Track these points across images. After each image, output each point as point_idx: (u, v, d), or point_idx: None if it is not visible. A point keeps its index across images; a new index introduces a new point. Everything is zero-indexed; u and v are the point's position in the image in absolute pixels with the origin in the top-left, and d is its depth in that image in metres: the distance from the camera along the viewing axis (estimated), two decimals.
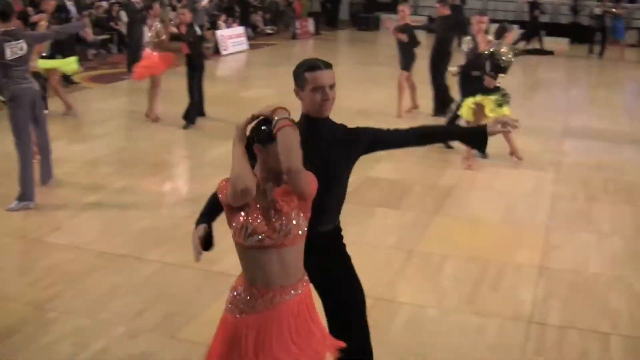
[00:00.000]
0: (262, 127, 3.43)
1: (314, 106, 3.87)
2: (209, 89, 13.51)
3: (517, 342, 5.59)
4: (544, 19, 27.93)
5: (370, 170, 9.73)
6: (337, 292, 4.16)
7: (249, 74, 21.48)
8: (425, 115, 13.39)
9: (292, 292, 3.50)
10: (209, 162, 10.45)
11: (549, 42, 25.53)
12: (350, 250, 4.24)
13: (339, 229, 4.20)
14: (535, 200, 9.21)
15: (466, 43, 11.08)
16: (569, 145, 12.08)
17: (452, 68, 11.57)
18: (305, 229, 3.49)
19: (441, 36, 13.69)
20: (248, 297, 3.49)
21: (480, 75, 10.69)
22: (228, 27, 24.95)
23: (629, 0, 30.60)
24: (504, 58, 10.24)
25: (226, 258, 6.96)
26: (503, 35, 10.52)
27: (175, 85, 13.45)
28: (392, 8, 31.68)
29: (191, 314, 5.88)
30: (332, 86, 3.84)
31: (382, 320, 5.69)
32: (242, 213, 3.40)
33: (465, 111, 10.44)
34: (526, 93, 16.81)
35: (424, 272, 6.93)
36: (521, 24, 26.30)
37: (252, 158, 3.45)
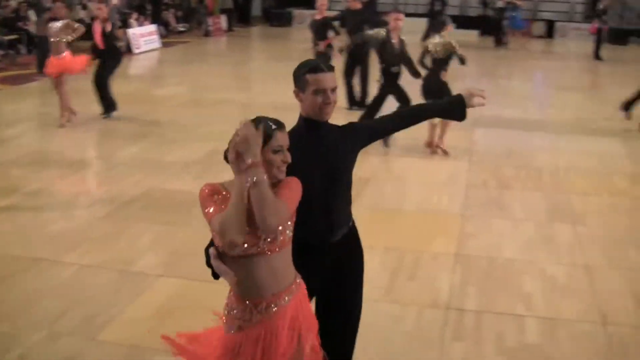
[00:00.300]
0: None
1: (314, 109, 3.77)
2: (122, 88, 13.36)
3: (435, 329, 5.70)
4: (453, 11, 28.47)
5: None
6: (341, 296, 4.17)
7: (161, 72, 21.28)
8: (339, 109, 13.46)
9: (286, 297, 3.44)
10: (122, 161, 10.34)
11: (458, 35, 26.02)
12: None
13: (354, 230, 4.16)
14: (449, 189, 9.38)
15: (377, 33, 11.13)
16: (481, 134, 12.33)
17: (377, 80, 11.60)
18: (290, 232, 3.42)
19: (353, 31, 13.81)
20: (243, 312, 3.41)
21: (399, 72, 10.91)
22: (140, 25, 24.67)
23: None
24: (458, 51, 10.65)
25: (143, 258, 6.97)
26: (444, 28, 10.86)
27: (87, 86, 13.23)
28: (303, 3, 31.88)
29: (111, 314, 5.82)
30: (333, 89, 3.75)
31: None
32: None
33: None
34: None
35: None
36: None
37: None
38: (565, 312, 6.07)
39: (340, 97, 13.93)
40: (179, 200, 8.58)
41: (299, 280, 3.58)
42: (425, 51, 10.88)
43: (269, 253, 3.34)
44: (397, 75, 11.05)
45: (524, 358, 5.34)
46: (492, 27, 27.99)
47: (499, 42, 27.24)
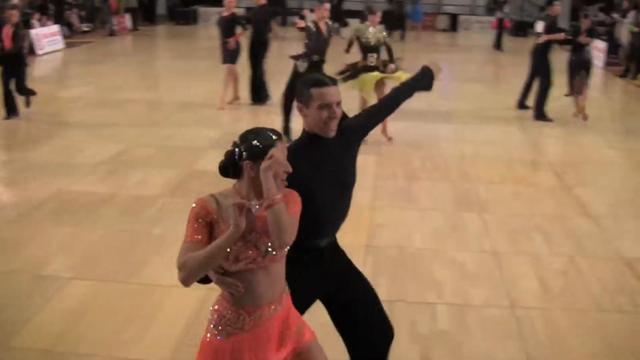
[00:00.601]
0: (254, 142, 3.21)
1: (319, 124, 3.68)
2: None
3: None
4: (358, 6, 28.80)
5: (195, 164, 9.78)
6: (359, 282, 4.29)
7: (66, 73, 20.86)
8: (244, 105, 13.53)
9: (278, 305, 3.42)
10: (30, 164, 10.12)
11: None
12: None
13: None
14: (358, 181, 9.39)
15: (307, 28, 11.35)
16: (388, 127, 12.46)
17: (302, 64, 11.62)
18: None
19: (258, 25, 13.90)
20: (236, 318, 3.35)
21: (319, 60, 11.27)
22: (42, 25, 24.11)
23: None
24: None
25: (54, 261, 6.86)
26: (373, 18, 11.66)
27: None
28: (209, 1, 31.72)
29: (23, 320, 5.69)
30: (338, 103, 3.68)
31: None
32: None
33: (368, 90, 11.37)
34: None
35: None
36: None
37: (236, 173, 3.29)
38: (475, 298, 6.24)
39: (243, 92, 14.01)
40: (88, 201, 8.46)
41: (287, 289, 3.56)
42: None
43: (270, 264, 3.33)
44: (319, 63, 11.31)
45: (436, 345, 5.46)
46: (394, 21, 28.41)
47: (402, 36, 27.71)
